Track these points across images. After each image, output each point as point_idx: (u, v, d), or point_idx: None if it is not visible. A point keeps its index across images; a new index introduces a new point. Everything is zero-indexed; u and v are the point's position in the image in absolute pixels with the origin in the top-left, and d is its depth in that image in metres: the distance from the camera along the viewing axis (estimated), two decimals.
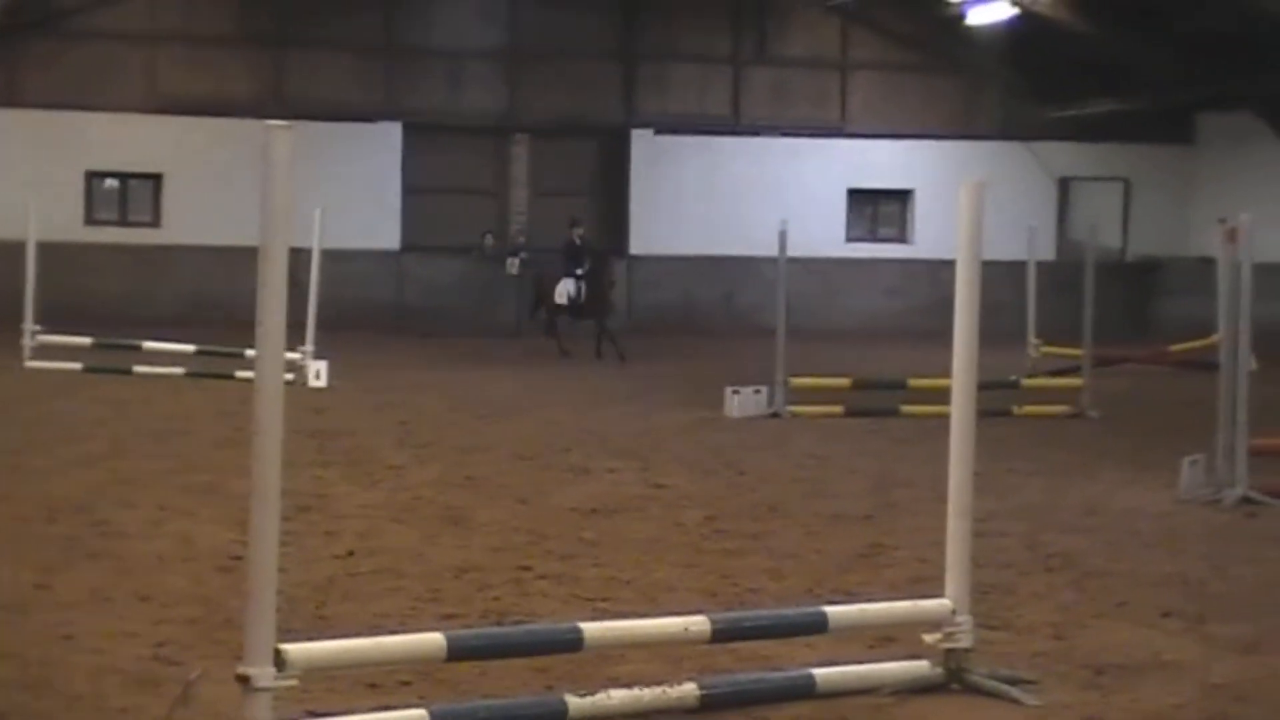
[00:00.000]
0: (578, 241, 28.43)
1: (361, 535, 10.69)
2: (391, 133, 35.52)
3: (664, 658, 7.41)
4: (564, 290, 27.63)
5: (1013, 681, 7.13)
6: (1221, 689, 7.26)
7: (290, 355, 18.47)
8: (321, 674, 6.34)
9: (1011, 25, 33.55)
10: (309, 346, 20.93)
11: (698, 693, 6.75)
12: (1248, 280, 12.52)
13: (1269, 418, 14.35)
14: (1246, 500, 12.28)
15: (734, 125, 37.30)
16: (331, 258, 24.99)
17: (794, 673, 7.13)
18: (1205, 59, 33.51)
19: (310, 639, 6.28)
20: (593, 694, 6.61)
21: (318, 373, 20.81)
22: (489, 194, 36.63)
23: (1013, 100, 38.15)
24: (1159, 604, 8.95)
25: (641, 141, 36.67)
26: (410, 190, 35.74)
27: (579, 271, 27.74)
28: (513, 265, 34.37)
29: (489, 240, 35.67)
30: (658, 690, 6.70)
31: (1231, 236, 12.61)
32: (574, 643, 6.67)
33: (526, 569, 9.70)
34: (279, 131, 5.75)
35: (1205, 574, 9.90)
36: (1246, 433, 12.42)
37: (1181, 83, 34.81)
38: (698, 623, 6.88)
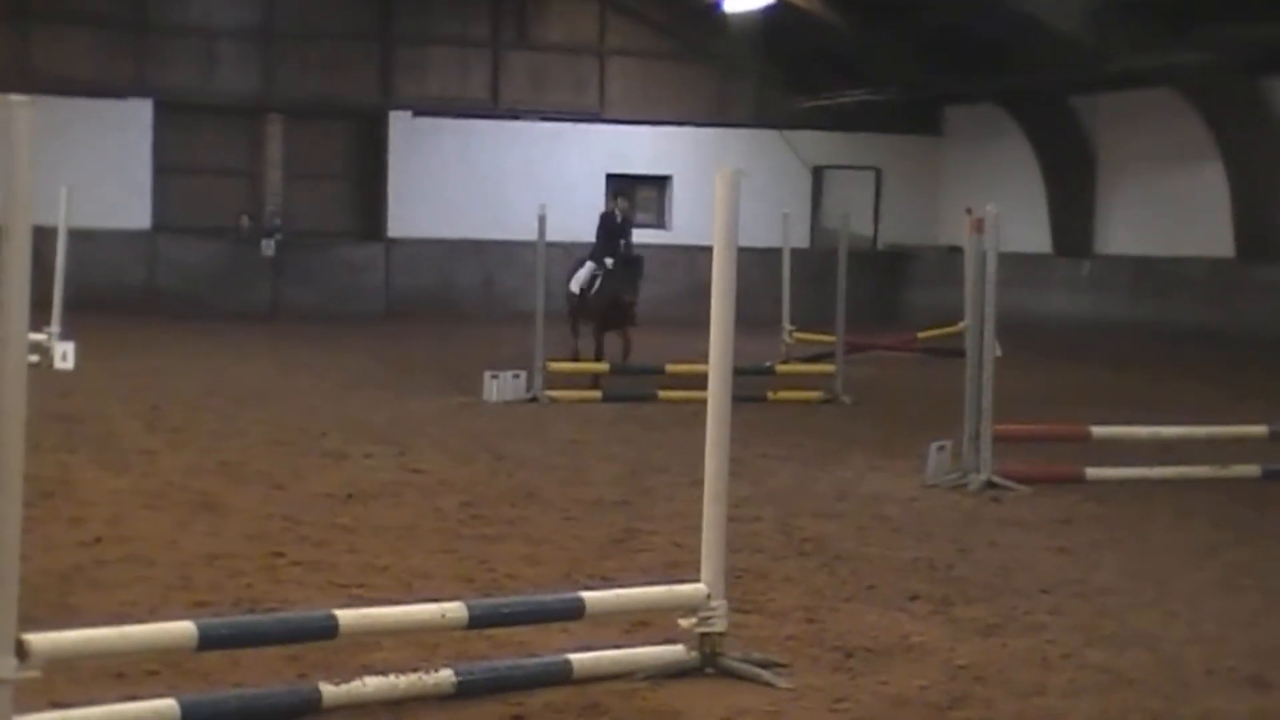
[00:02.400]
0: (618, 217, 21.36)
1: (110, 522, 10.42)
2: (142, 110, 34.73)
3: (420, 644, 7.35)
4: (581, 276, 21.10)
5: (765, 665, 7.22)
6: (965, 670, 7.44)
7: (35, 336, 17.96)
8: (66, 664, 6.17)
9: (766, 15, 33.99)
10: (55, 327, 20.38)
11: (454, 679, 6.71)
12: (993, 269, 12.83)
13: (1013, 404, 14.77)
14: (991, 485, 12.59)
15: (493, 109, 37.23)
16: (80, 237, 24.34)
17: (550, 658, 7.13)
18: (952, 53, 34.42)
19: (54, 628, 6.10)
20: (347, 682, 6.53)
21: (64, 354, 20.24)
22: (244, 175, 36.05)
23: (768, 89, 38.69)
24: (907, 587, 9.14)
25: (399, 124, 36.40)
26: (162, 169, 35.01)
27: (608, 261, 20.65)
28: (268, 247, 33.88)
29: (245, 222, 35.10)
30: (413, 677, 6.65)
31: (978, 226, 12.91)
32: (328, 630, 6.58)
33: (280, 555, 9.55)
34: (20, 107, 5.57)
35: (951, 557, 10.13)
36: (991, 419, 12.74)
37: (929, 75, 35.69)
38: (454, 609, 6.84)
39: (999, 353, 13.67)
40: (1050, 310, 34.16)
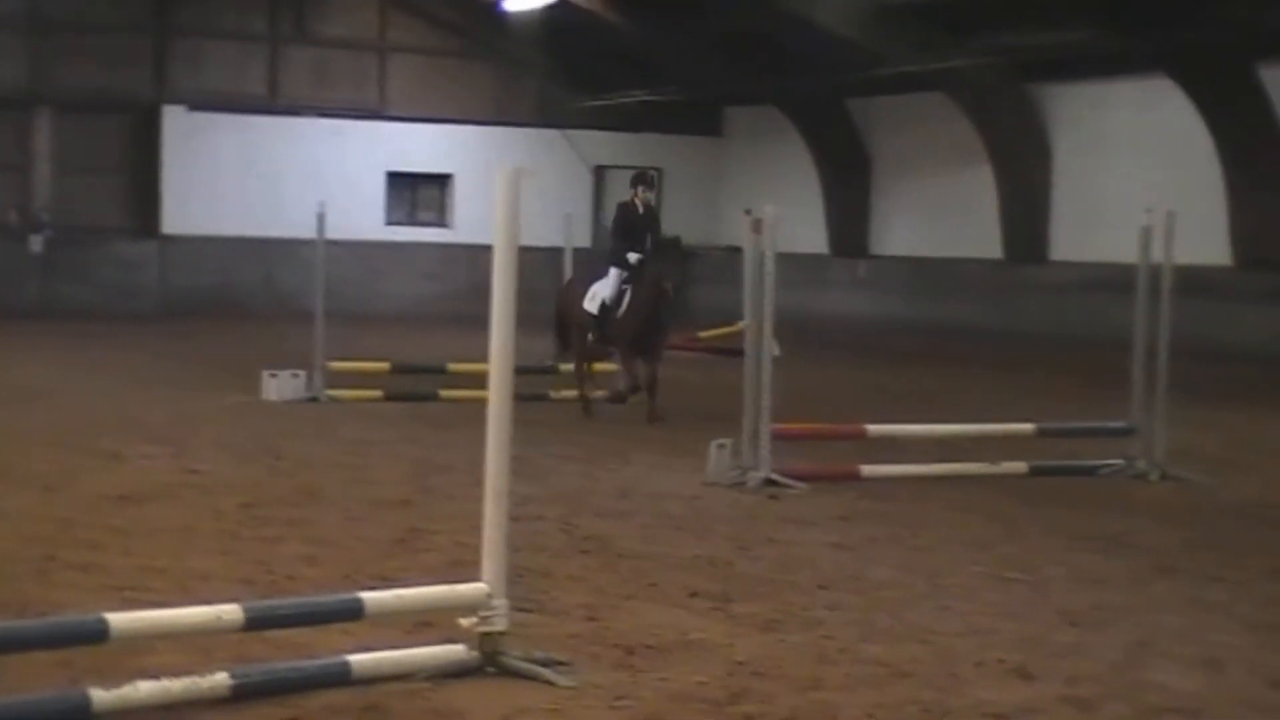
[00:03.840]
0: (640, 209, 17.64)
1: None
2: None
3: (196, 648, 7.24)
4: (599, 291, 17.30)
5: (546, 663, 7.24)
6: (743, 665, 7.54)
7: None
8: None
9: (549, 14, 34.00)
10: None
11: (229, 682, 6.63)
12: (771, 269, 13.00)
13: (794, 403, 14.97)
14: (770, 483, 12.76)
15: (272, 105, 36.73)
16: None
17: (328, 660, 7.08)
18: (732, 54, 34.81)
19: None
20: (119, 686, 6.41)
21: None
22: (11, 169, 35.05)
23: (550, 88, 38.75)
24: (687, 585, 9.23)
25: (174, 118, 35.73)
26: None
27: (631, 259, 17.19)
28: (36, 243, 33.05)
29: (12, 217, 34.20)
30: (187, 681, 6.56)
31: (756, 227, 13.07)
32: (99, 634, 6.44)
33: (52, 559, 9.34)
34: None
35: (731, 555, 10.25)
36: (770, 418, 12.91)
37: (710, 76, 36.04)
38: (230, 611, 6.75)
39: (779, 352, 13.84)
40: (829, 310, 34.67)
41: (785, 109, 37.32)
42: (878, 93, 34.83)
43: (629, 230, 17.37)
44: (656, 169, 17.98)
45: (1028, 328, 30.85)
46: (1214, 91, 28.45)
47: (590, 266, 18.94)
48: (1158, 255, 13.85)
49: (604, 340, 17.21)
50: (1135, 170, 29.86)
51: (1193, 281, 17.83)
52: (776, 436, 13.00)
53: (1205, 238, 26.90)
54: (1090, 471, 13.97)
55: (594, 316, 17.26)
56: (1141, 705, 7.22)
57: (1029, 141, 32.74)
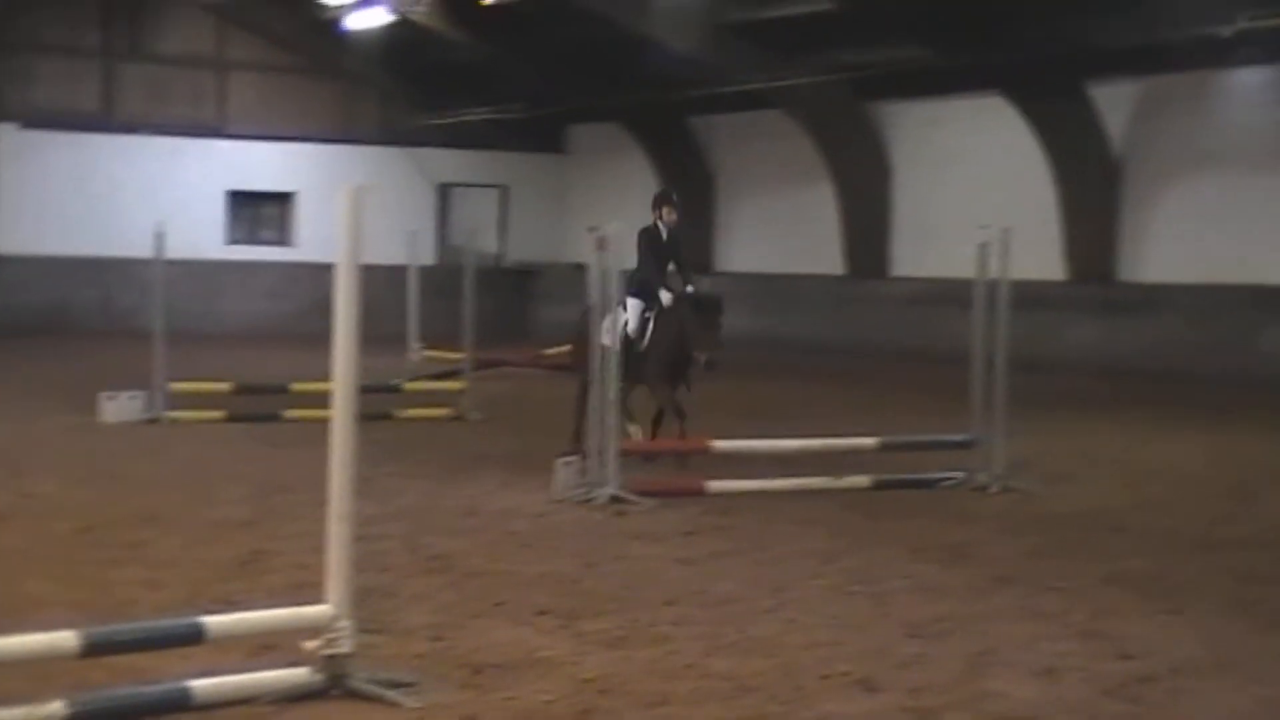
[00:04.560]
0: (663, 233, 15.43)
1: None
2: None
3: (32, 675, 7.08)
4: (617, 321, 13.94)
5: (392, 684, 7.18)
6: (590, 683, 7.53)
7: None
8: None
9: (391, 31, 33.86)
10: None
11: (65, 710, 6.49)
12: (613, 286, 13.02)
13: (642, 419, 15.00)
14: (616, 499, 12.77)
15: (107, 122, 36.18)
16: None
17: (169, 685, 6.96)
18: (575, 72, 34.87)
19: None
20: None
21: None
22: None
23: (392, 106, 38.60)
24: (534, 602, 9.21)
25: (7, 136, 35.06)
26: None
27: (665, 299, 15.17)
28: None
29: None
30: (21, 710, 6.41)
31: (600, 244, 13.09)
32: None
33: None
34: None
35: (578, 572, 10.24)
36: (616, 434, 12.93)
37: (553, 94, 36.08)
38: (67, 637, 6.62)
39: None
40: None
41: (628, 126, 37.47)
42: (720, 110, 35.10)
43: (657, 255, 15.31)
44: (670, 191, 15.57)
45: (870, 342, 31.24)
46: (1045, 109, 29.03)
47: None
48: (994, 270, 14.07)
49: (629, 377, 14.45)
50: (972, 186, 30.38)
51: (1028, 296, 18.15)
52: (623, 453, 13.02)
53: (1040, 252, 27.43)
54: (931, 484, 14.15)
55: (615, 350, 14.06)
56: (981, 714, 7.32)
57: (869, 158, 33.17)
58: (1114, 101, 28.64)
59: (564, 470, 13.06)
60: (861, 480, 13.89)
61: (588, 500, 12.79)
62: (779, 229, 35.54)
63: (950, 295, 25.58)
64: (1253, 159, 26.71)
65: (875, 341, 31.21)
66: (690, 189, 37.16)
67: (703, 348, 14.74)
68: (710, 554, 11.04)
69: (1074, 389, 24.17)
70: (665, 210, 15.48)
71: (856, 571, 10.52)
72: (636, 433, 15.27)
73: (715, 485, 13.46)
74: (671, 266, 15.58)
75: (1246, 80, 26.68)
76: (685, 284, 15.33)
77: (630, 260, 13.58)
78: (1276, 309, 25.95)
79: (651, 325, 15.11)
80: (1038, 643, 8.63)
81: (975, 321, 14.22)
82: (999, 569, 10.72)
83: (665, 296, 15.13)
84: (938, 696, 7.55)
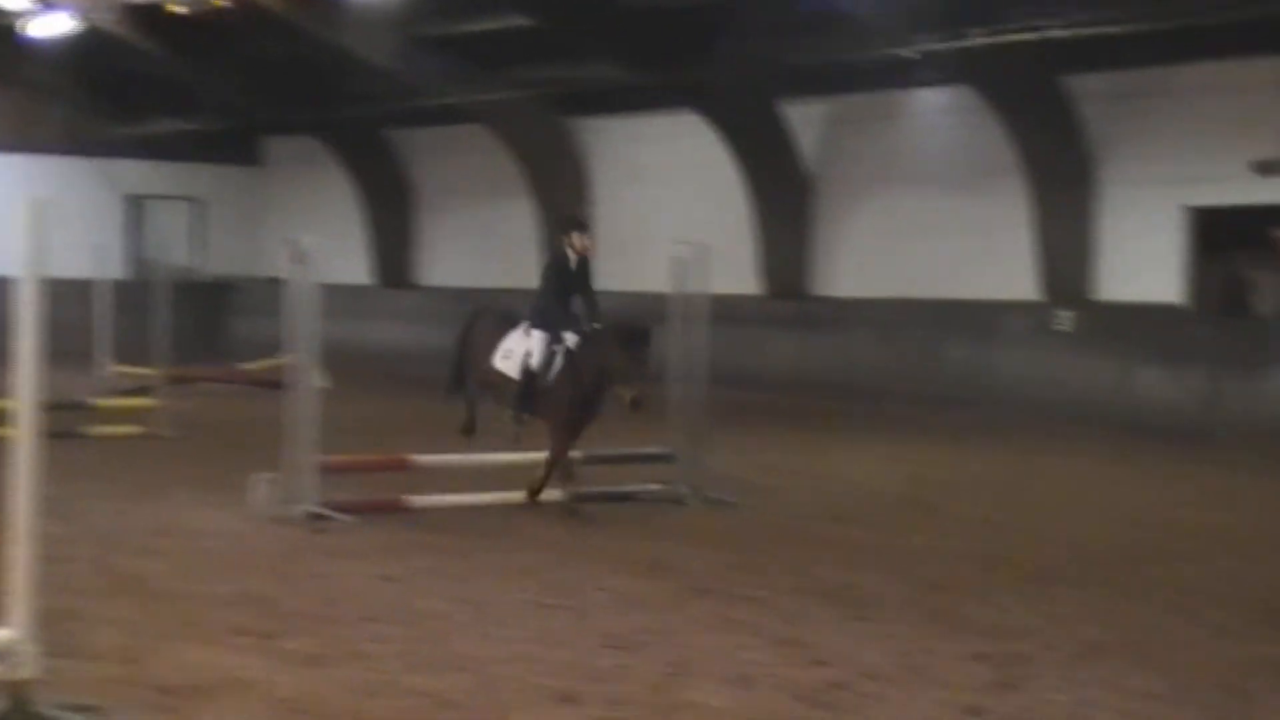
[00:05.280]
0: (571, 260, 14.12)
1: None
2: None
3: None
4: (516, 350, 13.82)
5: (79, 709, 6.97)
6: (286, 703, 7.42)
7: None
8: None
9: (76, 39, 32.85)
10: None
11: None
12: (312, 301, 12.88)
13: (342, 435, 14.83)
14: (315, 516, 12.61)
15: None
16: None
17: None
18: (269, 83, 34.38)
19: None
20: None
21: None
22: None
23: (79, 115, 37.48)
24: (229, 622, 9.04)
25: None
26: None
27: (570, 342, 13.74)
28: None
29: None
30: None
31: (297, 258, 12.93)
32: None
33: None
34: None
35: (275, 590, 10.09)
36: (315, 450, 12.77)
37: (247, 105, 35.51)
38: None
39: (326, 383, 13.71)
40: (376, 341, 34.53)
41: (326, 139, 37.06)
42: (418, 124, 34.95)
43: (562, 284, 13.87)
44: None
45: None
46: (739, 127, 29.55)
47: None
48: (691, 285, 14.27)
49: (526, 409, 13.71)
50: (670, 202, 30.75)
51: (725, 311, 18.42)
52: (323, 469, 12.87)
53: (737, 268, 27.90)
54: (631, 497, 14.28)
55: (513, 381, 13.72)
56: None
57: (567, 174, 33.33)
58: (806, 120, 29.28)
59: (260, 488, 12.85)
60: (560, 494, 13.93)
61: (285, 518, 12.60)
62: (479, 243, 35.49)
63: (650, 311, 25.86)
64: (936, 177, 27.56)
65: None
66: (390, 203, 36.98)
67: (628, 383, 13.02)
68: (410, 570, 10.97)
69: (770, 404, 24.65)
70: (575, 236, 14.04)
71: (557, 585, 10.57)
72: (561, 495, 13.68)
73: (416, 501, 13.39)
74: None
75: (930, 100, 27.54)
76: (592, 319, 13.84)
77: (327, 273, 13.35)
78: (959, 324, 26.82)
79: (560, 363, 13.54)
80: (733, 652, 8.78)
81: (673, 336, 14.39)
82: (696, 580, 10.88)
83: (570, 339, 13.57)
84: (635, 708, 7.63)
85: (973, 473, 17.70)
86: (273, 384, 21.11)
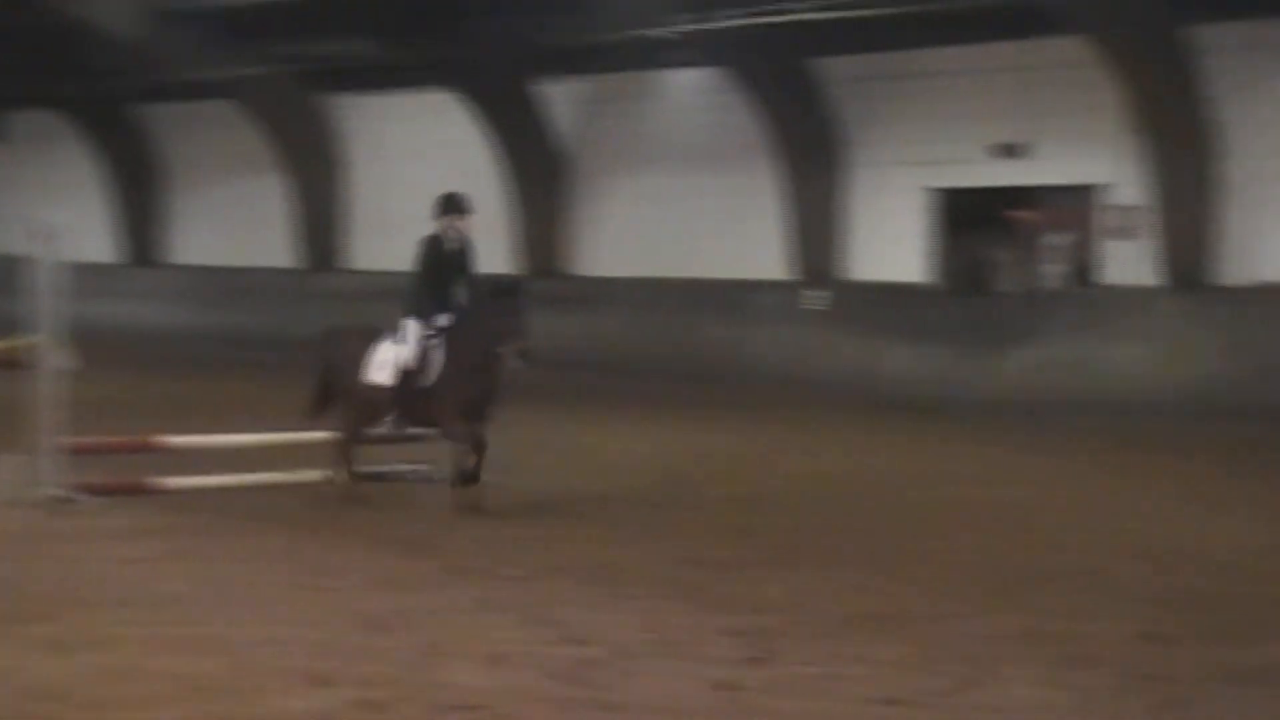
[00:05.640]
0: (450, 244, 13.16)
1: None
2: None
3: None
4: (392, 355, 12.92)
5: None
6: (33, 689, 7.25)
7: None
8: None
9: None
10: None
11: None
12: (56, 280, 12.57)
13: (87, 417, 14.48)
14: (60, 499, 12.32)
15: None
16: None
17: None
18: (8, 57, 33.32)
19: None
20: None
21: None
22: None
23: None
24: None
25: None
26: None
27: (442, 321, 12.90)
28: None
29: None
30: None
31: (39, 236, 12.61)
32: None
33: None
34: None
35: (17, 575, 9.84)
36: (60, 432, 12.46)
37: None
38: None
39: (72, 365, 13.35)
40: (124, 320, 33.80)
41: (70, 114, 36.11)
42: (166, 99, 34.25)
43: (436, 272, 12.90)
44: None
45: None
46: (494, 105, 29.54)
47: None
48: None
49: (409, 418, 12.93)
50: (424, 181, 30.51)
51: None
52: (67, 451, 12.57)
53: (493, 247, 27.87)
54: (390, 477, 14.20)
55: (390, 389, 12.74)
56: (431, 704, 7.41)
57: (321, 151, 32.99)
58: (560, 99, 29.39)
59: (4, 471, 12.50)
60: (315, 474, 13.80)
61: (30, 501, 12.28)
62: (229, 221, 34.97)
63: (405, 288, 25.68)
64: (689, 158, 27.86)
65: None
66: (137, 180, 36.21)
67: (510, 340, 12.30)
68: (160, 553, 10.78)
69: (529, 382, 24.62)
70: (453, 218, 12.99)
71: (312, 566, 10.49)
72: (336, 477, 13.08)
73: (165, 482, 13.15)
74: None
75: (683, 81, 27.81)
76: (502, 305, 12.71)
77: (72, 251, 13.02)
78: (713, 302, 27.15)
79: (440, 356, 12.58)
80: (488, 631, 8.80)
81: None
82: (453, 560, 10.87)
83: (443, 319, 12.66)
84: (389, 689, 7.60)
85: (726, 448, 17.92)
86: (10, 364, 20.48)
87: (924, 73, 25.03)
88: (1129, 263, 23.43)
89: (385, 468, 14.36)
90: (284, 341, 30.69)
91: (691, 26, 24.52)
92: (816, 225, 26.38)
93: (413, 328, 12.70)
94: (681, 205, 27.96)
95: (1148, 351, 22.65)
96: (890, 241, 25.64)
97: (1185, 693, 7.85)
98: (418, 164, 31.15)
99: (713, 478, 15.58)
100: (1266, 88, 22.52)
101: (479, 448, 12.67)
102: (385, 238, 31.28)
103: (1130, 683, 7.97)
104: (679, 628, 9.05)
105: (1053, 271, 24.68)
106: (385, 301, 29.86)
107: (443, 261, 12.93)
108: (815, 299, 25.83)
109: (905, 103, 25.28)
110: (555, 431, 18.73)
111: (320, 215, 33.30)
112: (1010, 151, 24.02)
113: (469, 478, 12.69)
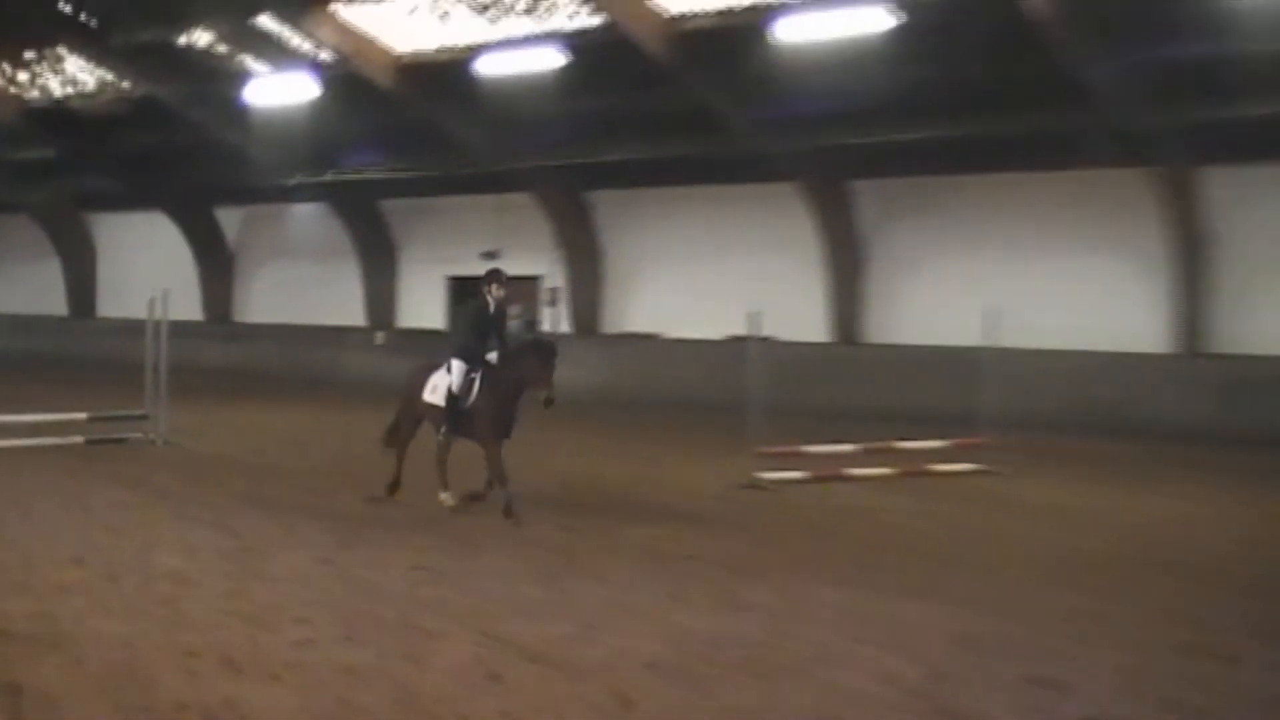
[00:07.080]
0: (491, 306, 10.18)
1: None
2: None
3: None
4: (439, 383, 10.20)
5: None
6: None
7: None
8: None
9: None
10: None
11: None
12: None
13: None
14: None
15: None
16: None
17: None
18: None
19: None
20: None
21: None
22: None
23: None
24: None
25: None
26: None
27: (491, 359, 10.07)
28: None
29: None
30: None
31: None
32: None
33: None
34: None
35: None
36: None
37: None
38: None
39: None
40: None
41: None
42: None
43: (480, 329, 10.17)
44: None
45: (89, 358, 28.56)
46: (191, 224, 28.28)
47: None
48: (164, 315, 13.63)
49: (456, 431, 10.14)
50: (149, 270, 28.72)
51: (179, 330, 17.31)
52: None
53: (190, 305, 26.47)
54: (122, 441, 13.51)
55: (442, 408, 10.14)
56: (149, 574, 7.36)
57: (81, 250, 30.17)
58: (231, 220, 28.34)
59: None
60: (79, 440, 13.01)
61: None
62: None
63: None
64: (309, 254, 27.24)
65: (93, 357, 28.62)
66: None
67: (543, 386, 9.60)
68: None
69: (206, 385, 23.46)
70: (494, 287, 10.21)
71: (73, 497, 10.00)
72: (449, 500, 10.10)
73: None
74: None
75: (304, 210, 27.24)
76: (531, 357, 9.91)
77: None
78: (320, 339, 26.50)
79: (479, 384, 10.00)
80: (184, 534, 8.69)
81: (148, 344, 13.72)
82: (163, 492, 10.52)
83: (492, 356, 10.06)
84: (123, 566, 7.58)
85: (331, 422, 17.60)
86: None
87: (444, 210, 25.19)
88: (556, 319, 24.27)
89: (117, 435, 13.58)
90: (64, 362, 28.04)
91: (307, 179, 24.18)
92: (381, 294, 26.29)
93: (457, 365, 10.11)
94: (305, 282, 27.22)
95: (570, 369, 23.25)
96: (423, 304, 25.81)
97: None
98: (143, 260, 29.14)
99: (324, 440, 15.19)
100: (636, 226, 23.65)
101: (501, 479, 9.77)
102: (133, 299, 29.03)
103: None
104: (297, 527, 8.96)
105: (514, 324, 25.26)
106: (127, 338, 27.89)
107: (484, 321, 10.18)
108: (380, 337, 25.67)
109: (433, 226, 25.47)
110: (233, 415, 17.92)
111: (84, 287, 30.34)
112: (491, 255, 24.48)
113: (501, 480, 9.82)
